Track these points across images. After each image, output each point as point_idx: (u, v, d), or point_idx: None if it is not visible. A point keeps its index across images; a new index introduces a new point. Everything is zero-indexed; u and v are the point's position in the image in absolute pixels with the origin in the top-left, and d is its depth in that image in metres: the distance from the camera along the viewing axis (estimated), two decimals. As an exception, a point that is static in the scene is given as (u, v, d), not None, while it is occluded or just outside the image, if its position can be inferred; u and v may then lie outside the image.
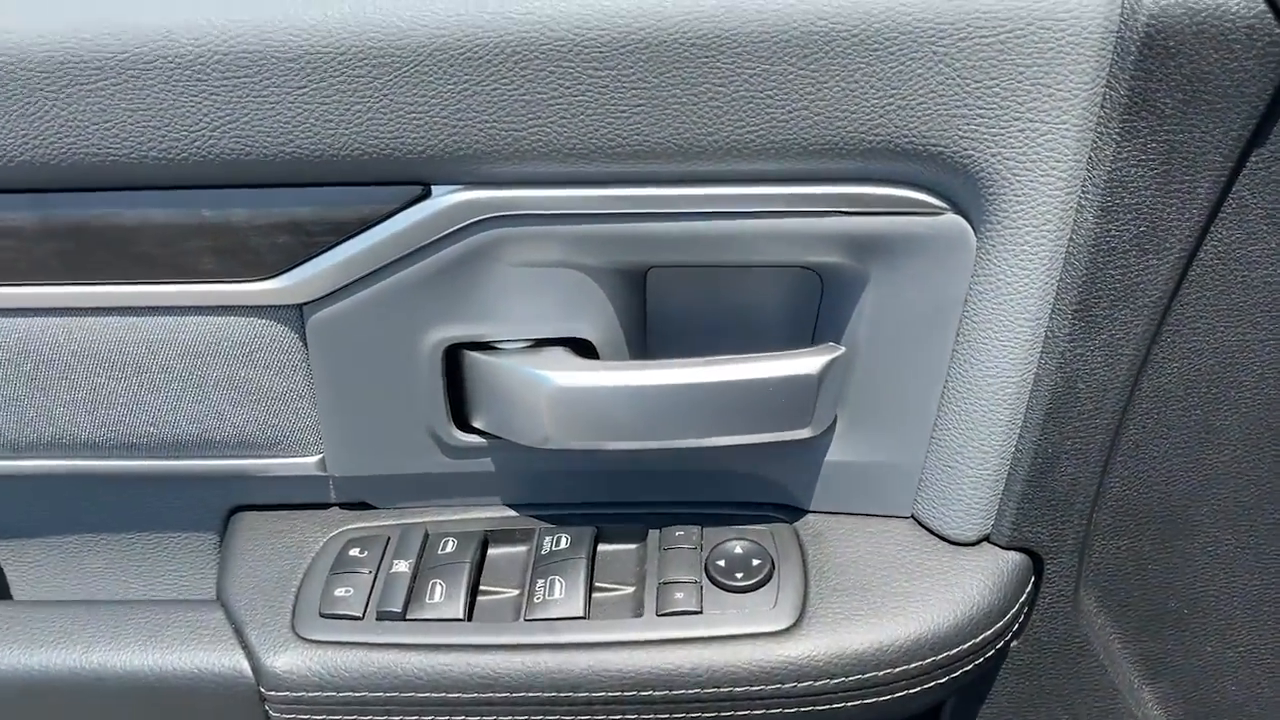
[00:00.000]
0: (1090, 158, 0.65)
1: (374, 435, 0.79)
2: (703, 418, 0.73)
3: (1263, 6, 0.61)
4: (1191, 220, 0.66)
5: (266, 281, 0.73)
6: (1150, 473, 0.75)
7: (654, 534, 0.81)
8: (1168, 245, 0.67)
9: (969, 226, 0.68)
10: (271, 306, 0.74)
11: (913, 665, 0.74)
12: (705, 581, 0.76)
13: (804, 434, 0.74)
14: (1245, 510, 0.76)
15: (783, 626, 0.74)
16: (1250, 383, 0.71)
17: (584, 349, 0.76)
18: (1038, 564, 0.78)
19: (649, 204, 0.69)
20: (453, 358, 0.77)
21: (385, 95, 0.66)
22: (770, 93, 0.65)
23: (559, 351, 0.76)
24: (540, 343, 0.76)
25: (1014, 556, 0.78)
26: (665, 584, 0.76)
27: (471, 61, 0.65)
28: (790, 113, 0.65)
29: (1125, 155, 0.64)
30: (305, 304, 0.74)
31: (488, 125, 0.66)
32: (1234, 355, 0.70)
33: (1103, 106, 0.64)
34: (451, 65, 0.65)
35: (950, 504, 0.77)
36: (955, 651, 0.74)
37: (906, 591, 0.75)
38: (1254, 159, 0.65)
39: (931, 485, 0.77)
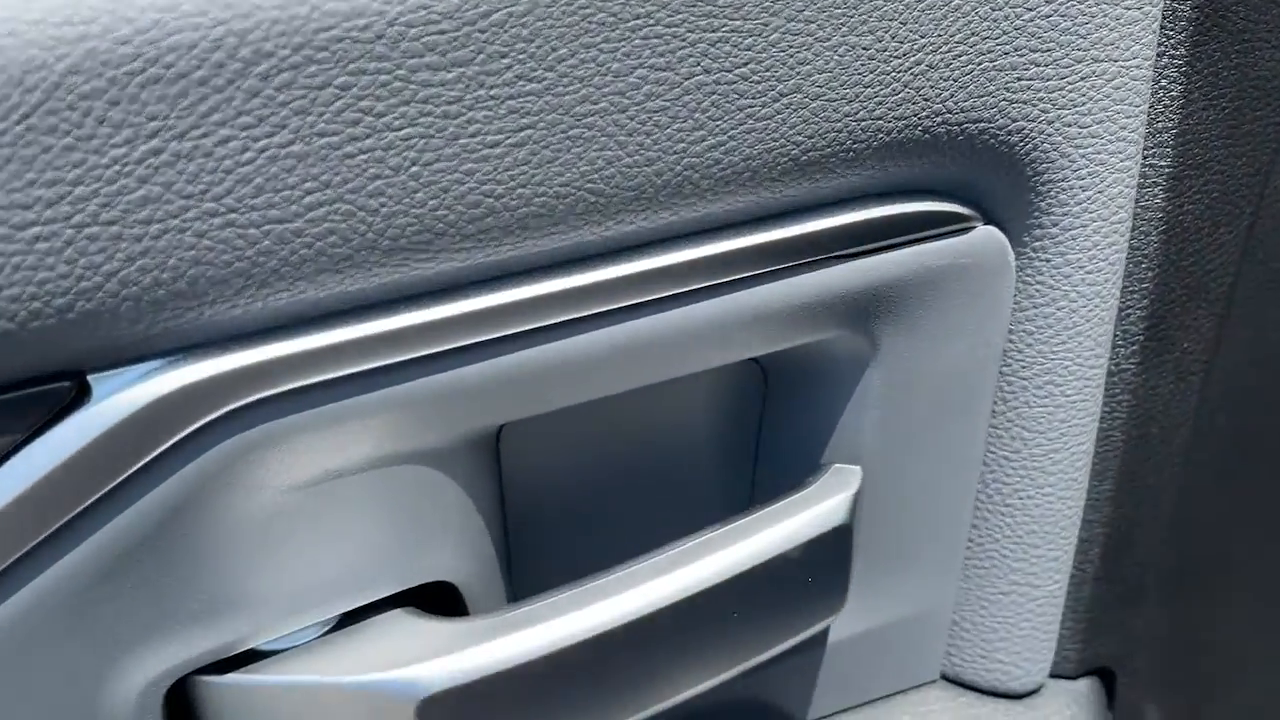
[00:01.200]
0: (1153, 106, 0.45)
1: None
2: (697, 653, 0.42)
3: None
4: (1259, 172, 0.48)
5: None
6: (1204, 517, 0.56)
7: None
8: (1239, 212, 0.48)
9: (1006, 240, 0.45)
10: None
11: None
12: None
13: (836, 614, 0.46)
14: None
15: None
16: None
17: (426, 599, 0.42)
18: (1109, 683, 0.57)
19: (526, 315, 0.37)
20: (178, 695, 0.39)
21: None
22: (744, 74, 0.36)
23: (397, 623, 0.40)
24: (347, 617, 0.41)
25: (1087, 686, 0.55)
26: None
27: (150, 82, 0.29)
28: (771, 107, 0.37)
29: (1194, 95, 0.45)
30: None
31: (194, 245, 0.31)
32: None
33: (1163, 27, 0.44)
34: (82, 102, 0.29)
35: (1009, 641, 0.52)
36: None
37: None
38: None
39: (975, 624, 0.53)
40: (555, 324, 0.38)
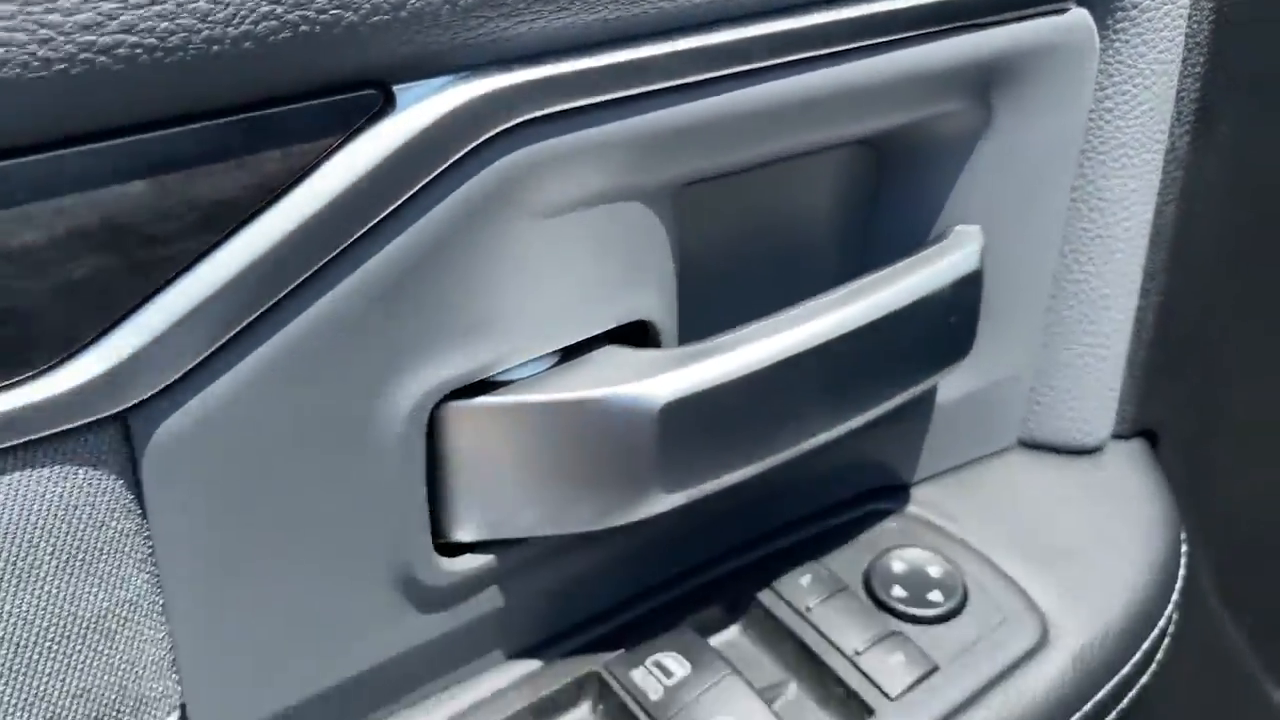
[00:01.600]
0: None
1: (290, 640, 0.41)
2: (859, 383, 0.48)
3: None
4: None
5: (45, 377, 0.33)
6: (1238, 291, 0.64)
7: (765, 598, 0.52)
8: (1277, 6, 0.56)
9: (1093, 23, 0.52)
10: (58, 433, 0.33)
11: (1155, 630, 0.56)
12: (904, 627, 0.51)
13: (965, 356, 0.53)
14: None
15: (1030, 645, 0.52)
16: None
17: (624, 339, 0.46)
18: (1152, 444, 0.65)
19: (744, 55, 0.42)
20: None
21: None
22: None
23: (616, 353, 0.45)
24: (568, 352, 0.45)
25: (1138, 445, 0.63)
26: (862, 653, 0.49)
27: None
28: None
29: None
30: (133, 407, 0.34)
31: None
32: None
33: None
34: None
35: (1082, 400, 0.59)
36: (1169, 607, 0.58)
37: (1099, 542, 0.57)
38: None
39: (1053, 387, 0.59)
40: (768, 67, 0.42)
